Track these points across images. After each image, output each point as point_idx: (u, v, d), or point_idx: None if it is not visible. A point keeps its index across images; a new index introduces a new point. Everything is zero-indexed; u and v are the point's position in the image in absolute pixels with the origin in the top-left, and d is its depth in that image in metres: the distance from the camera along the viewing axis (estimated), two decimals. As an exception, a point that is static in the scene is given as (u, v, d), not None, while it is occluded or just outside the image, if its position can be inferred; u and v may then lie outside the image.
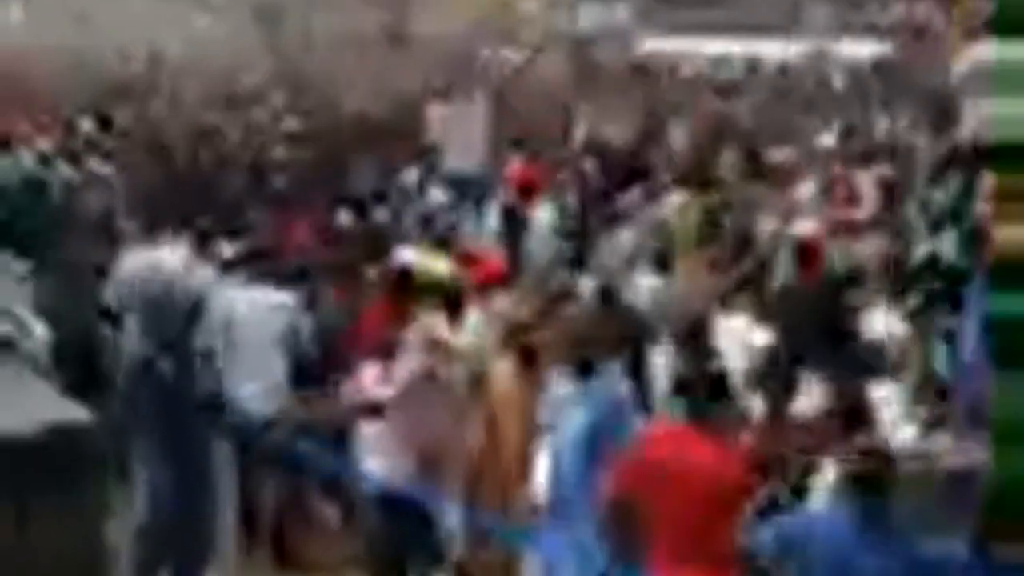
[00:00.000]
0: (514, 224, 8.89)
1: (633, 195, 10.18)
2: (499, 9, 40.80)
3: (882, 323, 6.45)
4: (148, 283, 6.89)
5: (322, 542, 6.86)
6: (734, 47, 27.62)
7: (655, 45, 29.39)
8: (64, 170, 10.33)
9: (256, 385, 6.66)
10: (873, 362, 5.96)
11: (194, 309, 6.79)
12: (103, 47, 31.23)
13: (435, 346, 5.83)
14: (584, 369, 5.10)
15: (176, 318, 6.84)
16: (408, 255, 7.83)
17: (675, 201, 9.63)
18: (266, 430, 6.57)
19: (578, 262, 8.31)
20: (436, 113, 13.13)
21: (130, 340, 6.92)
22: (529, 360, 5.60)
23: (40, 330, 6.03)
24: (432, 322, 6.04)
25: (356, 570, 6.40)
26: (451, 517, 5.97)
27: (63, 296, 7.21)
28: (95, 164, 10.81)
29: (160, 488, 6.39)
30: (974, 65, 11.01)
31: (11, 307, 6.28)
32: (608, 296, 6.92)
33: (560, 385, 5.29)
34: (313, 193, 10.79)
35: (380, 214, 9.97)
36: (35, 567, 4.26)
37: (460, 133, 11.70)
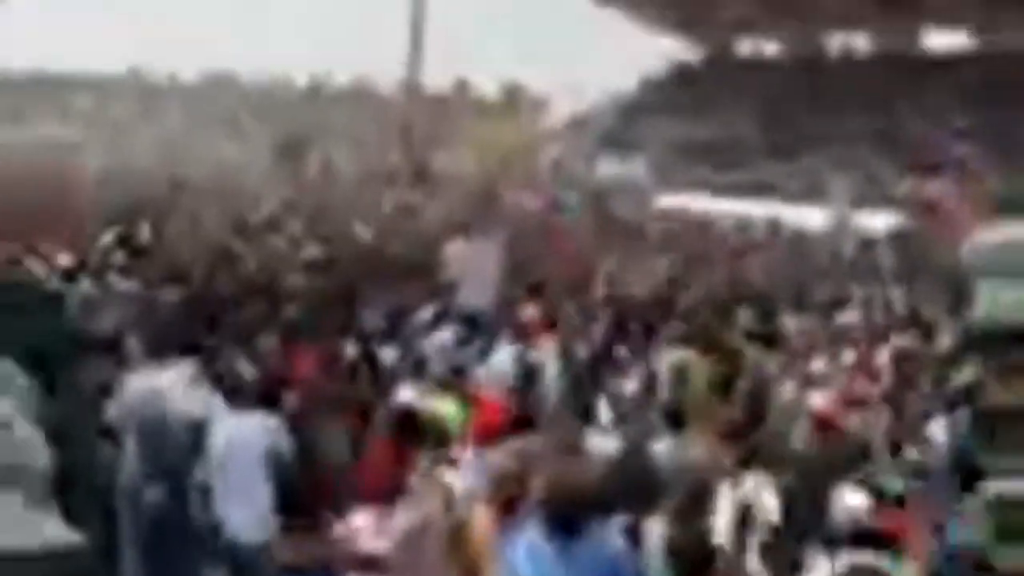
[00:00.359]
0: (526, 370, 8.81)
1: (626, 348, 10.16)
2: (521, 153, 41.61)
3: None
4: (147, 407, 6.85)
5: None
6: (755, 209, 27.98)
7: (671, 201, 29.82)
8: (84, 286, 10.39)
9: (246, 511, 6.50)
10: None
11: (192, 437, 6.72)
12: (131, 164, 31.91)
13: (440, 493, 5.70)
14: (569, 527, 4.89)
15: (172, 445, 6.77)
16: (410, 394, 7.77)
17: (673, 357, 9.56)
18: (258, 558, 6.38)
19: (584, 414, 8.17)
20: (453, 249, 13.19)
21: (127, 463, 6.85)
22: (509, 510, 5.42)
23: (44, 454, 5.93)
24: (439, 469, 5.91)
25: None
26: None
27: (68, 415, 7.12)
28: (115, 280, 10.88)
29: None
30: (982, 245, 11.08)
31: (13, 426, 6.22)
32: (634, 454, 6.78)
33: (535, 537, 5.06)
34: (325, 323, 10.76)
35: (387, 352, 9.88)
36: None
37: (475, 269, 11.72)
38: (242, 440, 6.54)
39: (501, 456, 5.82)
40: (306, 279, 13.42)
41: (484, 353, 9.55)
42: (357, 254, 17.21)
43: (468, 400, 7.23)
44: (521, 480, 5.35)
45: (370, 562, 5.59)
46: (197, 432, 6.63)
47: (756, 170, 37.44)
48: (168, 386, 6.94)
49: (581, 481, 4.97)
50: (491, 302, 10.93)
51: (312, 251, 17.13)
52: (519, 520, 5.18)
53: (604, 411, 8.45)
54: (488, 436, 6.51)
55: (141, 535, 6.77)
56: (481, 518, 5.47)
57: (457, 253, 12.63)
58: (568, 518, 4.79)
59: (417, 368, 8.83)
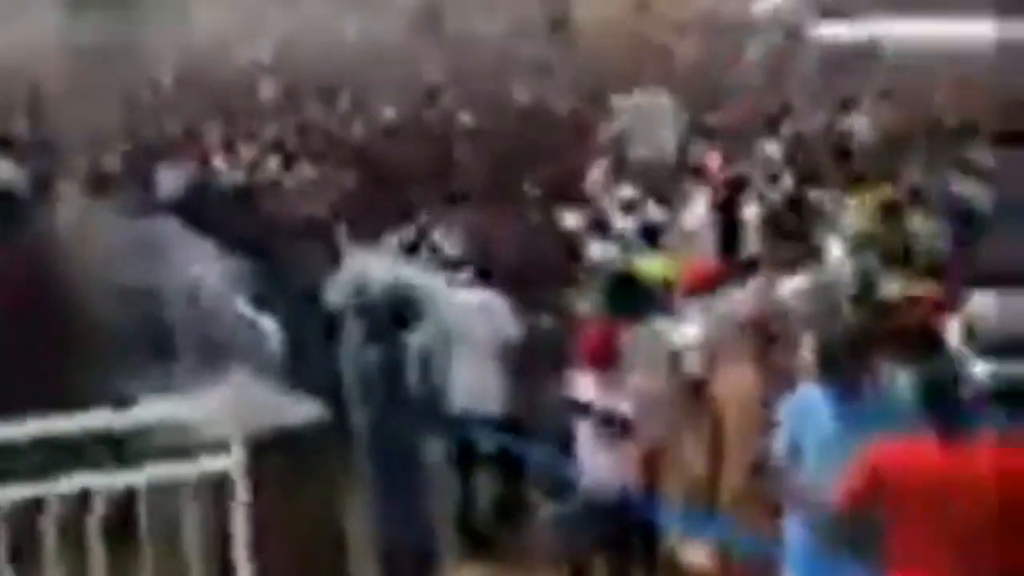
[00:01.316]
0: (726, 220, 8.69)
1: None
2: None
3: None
4: (365, 287, 7.02)
5: (539, 543, 6.85)
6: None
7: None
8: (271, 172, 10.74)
9: (475, 382, 6.70)
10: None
11: (410, 310, 6.90)
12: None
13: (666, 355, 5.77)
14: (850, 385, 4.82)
15: (390, 319, 6.96)
16: (600, 251, 7.79)
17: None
18: (486, 429, 6.60)
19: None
20: (623, 103, 12.93)
21: (348, 342, 7.07)
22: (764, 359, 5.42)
23: (273, 331, 6.22)
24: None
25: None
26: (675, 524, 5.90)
27: (291, 298, 7.42)
28: (304, 168, 11.20)
29: (379, 490, 6.47)
30: None
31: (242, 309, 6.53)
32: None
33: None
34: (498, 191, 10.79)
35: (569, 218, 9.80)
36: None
37: (649, 121, 11.53)
38: (471, 319, 6.70)
39: (748, 302, 5.79)
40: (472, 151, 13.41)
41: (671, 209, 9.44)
42: (518, 117, 17.13)
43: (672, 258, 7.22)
44: (773, 325, 5.36)
45: (609, 419, 5.69)
46: (416, 305, 6.81)
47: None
48: (380, 265, 7.14)
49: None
50: (671, 153, 10.77)
51: (466, 119, 17.12)
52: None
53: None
54: (703, 287, 6.45)
55: (363, 397, 6.97)
56: (731, 374, 5.51)
57: (627, 107, 12.39)
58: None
59: (599, 227, 8.77)
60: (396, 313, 6.39)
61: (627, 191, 10.04)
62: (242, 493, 4.10)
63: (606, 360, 5.71)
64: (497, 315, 6.86)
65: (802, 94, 18.59)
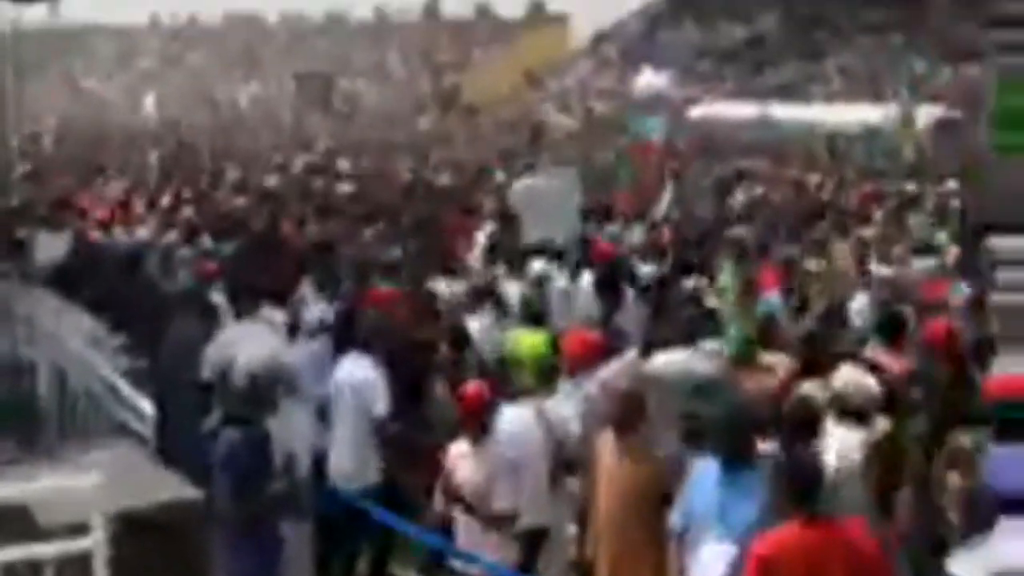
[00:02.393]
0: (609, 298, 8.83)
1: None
2: (548, 72, 41.20)
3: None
4: (235, 359, 6.91)
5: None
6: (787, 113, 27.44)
7: (704, 111, 29.42)
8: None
9: (348, 454, 6.65)
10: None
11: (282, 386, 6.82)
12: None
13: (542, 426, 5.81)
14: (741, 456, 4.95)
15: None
16: (477, 326, 7.84)
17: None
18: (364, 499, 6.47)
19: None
20: (520, 186, 12.91)
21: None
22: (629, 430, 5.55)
23: (147, 408, 6.14)
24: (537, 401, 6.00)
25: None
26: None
27: (166, 372, 7.30)
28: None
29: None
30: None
31: (118, 386, 6.43)
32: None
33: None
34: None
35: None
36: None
37: (549, 205, 11.56)
38: (342, 383, 6.66)
39: (621, 379, 5.88)
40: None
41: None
42: (400, 190, 17.21)
43: (554, 335, 7.30)
44: (642, 401, 5.48)
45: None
46: (292, 381, 6.78)
47: (784, 72, 37.02)
48: (255, 336, 7.07)
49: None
50: (572, 236, 10.85)
51: (345, 188, 17.12)
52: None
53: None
54: (582, 365, 6.54)
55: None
56: (604, 443, 5.58)
57: (523, 188, 12.37)
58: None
59: (477, 299, 8.72)
60: (258, 394, 6.11)
61: (538, 264, 9.95)
62: (101, 574, 4.02)
63: (478, 426, 5.73)
64: (370, 390, 6.79)
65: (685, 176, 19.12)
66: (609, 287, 8.79)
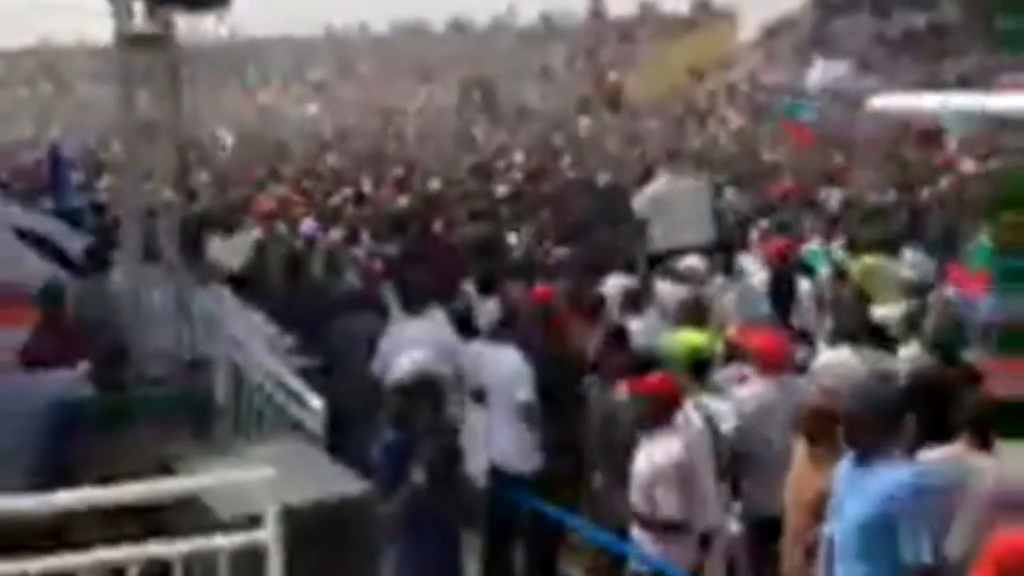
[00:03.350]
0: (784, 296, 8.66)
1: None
2: (716, 68, 40.56)
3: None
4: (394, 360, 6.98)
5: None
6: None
7: (884, 102, 28.29)
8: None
9: (508, 442, 6.69)
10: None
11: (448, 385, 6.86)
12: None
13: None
14: (862, 453, 4.75)
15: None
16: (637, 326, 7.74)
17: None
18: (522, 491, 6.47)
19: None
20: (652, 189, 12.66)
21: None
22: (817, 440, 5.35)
23: (318, 404, 6.24)
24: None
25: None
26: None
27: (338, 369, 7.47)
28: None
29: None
30: None
31: (290, 383, 6.57)
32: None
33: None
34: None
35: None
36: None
37: (688, 209, 11.28)
38: (503, 381, 6.68)
39: (816, 393, 5.65)
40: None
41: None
42: (560, 189, 17.13)
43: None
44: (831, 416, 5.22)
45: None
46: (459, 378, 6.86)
47: (966, 61, 35.47)
48: (427, 332, 7.18)
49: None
50: (706, 241, 10.62)
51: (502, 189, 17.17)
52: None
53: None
54: (775, 365, 6.32)
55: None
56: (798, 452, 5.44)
57: (650, 194, 12.01)
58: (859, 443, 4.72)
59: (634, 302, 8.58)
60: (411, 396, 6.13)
61: (692, 260, 9.78)
62: (276, 566, 4.08)
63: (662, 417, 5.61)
64: (519, 379, 6.81)
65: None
66: (785, 285, 8.62)
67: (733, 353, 7.03)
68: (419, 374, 5.91)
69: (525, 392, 6.72)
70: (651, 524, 5.62)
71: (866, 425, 4.69)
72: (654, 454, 5.61)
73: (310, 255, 10.35)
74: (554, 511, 6.48)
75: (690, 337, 6.79)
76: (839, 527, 4.74)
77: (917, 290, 8.56)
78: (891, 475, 4.60)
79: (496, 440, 6.80)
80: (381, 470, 5.61)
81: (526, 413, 6.67)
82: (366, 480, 5.21)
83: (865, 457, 4.70)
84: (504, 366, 6.86)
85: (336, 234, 12.04)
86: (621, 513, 5.94)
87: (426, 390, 5.85)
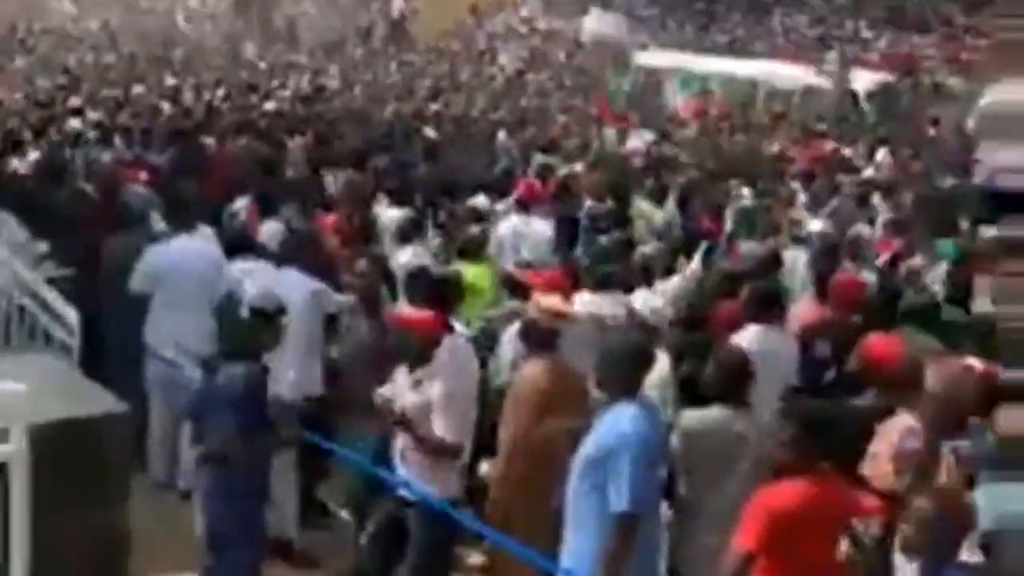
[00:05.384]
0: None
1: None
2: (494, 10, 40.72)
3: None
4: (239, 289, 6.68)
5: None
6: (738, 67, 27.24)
7: (650, 59, 29.06)
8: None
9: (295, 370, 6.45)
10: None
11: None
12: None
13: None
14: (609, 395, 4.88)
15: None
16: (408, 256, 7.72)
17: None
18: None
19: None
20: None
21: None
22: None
23: (73, 317, 5.94)
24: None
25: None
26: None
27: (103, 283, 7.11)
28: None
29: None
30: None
31: (43, 293, 6.21)
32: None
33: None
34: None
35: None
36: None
37: None
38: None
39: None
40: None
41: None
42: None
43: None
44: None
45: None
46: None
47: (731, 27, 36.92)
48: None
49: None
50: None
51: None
52: None
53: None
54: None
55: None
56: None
57: None
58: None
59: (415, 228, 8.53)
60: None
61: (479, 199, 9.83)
62: (20, 483, 3.90)
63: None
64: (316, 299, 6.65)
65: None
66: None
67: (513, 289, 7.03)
68: (273, 297, 5.53)
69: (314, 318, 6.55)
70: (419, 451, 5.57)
71: (612, 368, 4.86)
72: (425, 386, 5.58)
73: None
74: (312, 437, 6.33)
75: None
76: (577, 457, 4.84)
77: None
78: (618, 419, 4.72)
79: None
80: (231, 408, 5.13)
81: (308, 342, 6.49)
82: (116, 398, 4.97)
83: (609, 397, 4.84)
84: (293, 290, 6.43)
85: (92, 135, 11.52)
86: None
87: (280, 314, 5.49)
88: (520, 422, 5.54)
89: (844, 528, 4.48)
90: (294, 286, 6.38)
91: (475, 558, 6.28)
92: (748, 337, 6.16)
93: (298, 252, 6.79)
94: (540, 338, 5.64)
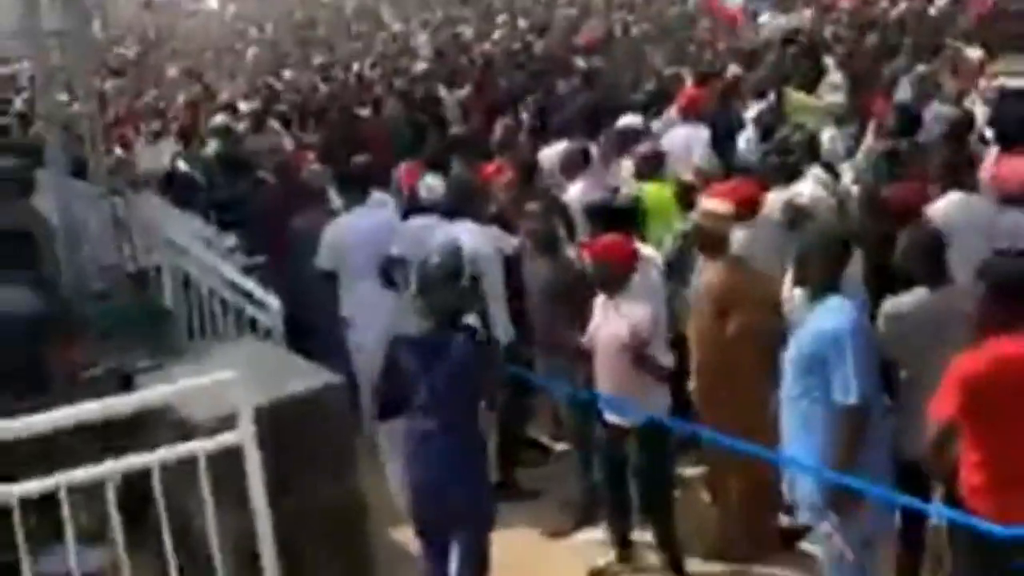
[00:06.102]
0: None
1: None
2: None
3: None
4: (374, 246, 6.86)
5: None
6: None
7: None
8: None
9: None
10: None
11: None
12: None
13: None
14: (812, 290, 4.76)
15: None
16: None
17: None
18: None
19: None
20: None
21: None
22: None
23: (274, 303, 6.14)
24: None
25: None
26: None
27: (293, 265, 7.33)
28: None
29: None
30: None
31: (243, 283, 6.44)
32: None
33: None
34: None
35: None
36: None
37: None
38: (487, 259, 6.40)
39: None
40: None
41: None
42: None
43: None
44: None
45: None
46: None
47: None
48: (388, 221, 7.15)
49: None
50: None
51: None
52: None
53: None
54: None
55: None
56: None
57: None
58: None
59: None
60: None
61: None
62: (254, 464, 4.04)
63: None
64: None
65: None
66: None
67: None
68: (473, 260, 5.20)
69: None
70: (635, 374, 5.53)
71: (812, 264, 4.74)
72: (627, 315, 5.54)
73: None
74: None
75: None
76: (788, 360, 4.77)
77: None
78: (829, 314, 4.60)
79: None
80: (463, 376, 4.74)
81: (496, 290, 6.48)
82: (332, 373, 5.11)
83: (814, 293, 4.74)
84: (476, 240, 6.29)
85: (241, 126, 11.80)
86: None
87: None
88: (703, 324, 5.57)
89: None
90: (473, 236, 6.35)
91: (691, 470, 6.32)
92: (945, 207, 5.89)
93: (468, 202, 6.82)
94: (710, 242, 5.69)
